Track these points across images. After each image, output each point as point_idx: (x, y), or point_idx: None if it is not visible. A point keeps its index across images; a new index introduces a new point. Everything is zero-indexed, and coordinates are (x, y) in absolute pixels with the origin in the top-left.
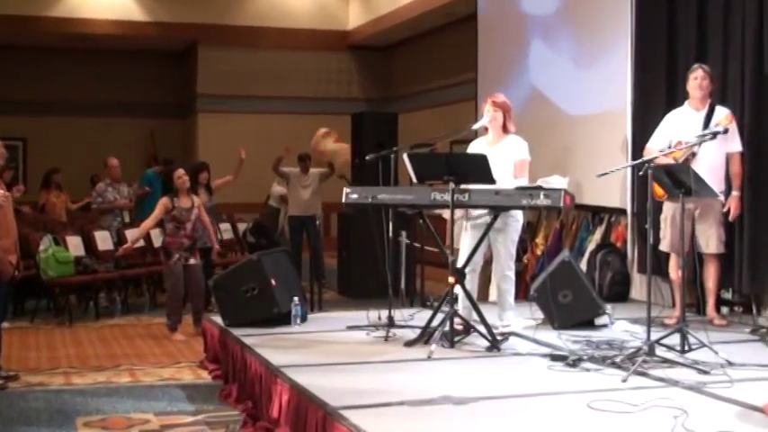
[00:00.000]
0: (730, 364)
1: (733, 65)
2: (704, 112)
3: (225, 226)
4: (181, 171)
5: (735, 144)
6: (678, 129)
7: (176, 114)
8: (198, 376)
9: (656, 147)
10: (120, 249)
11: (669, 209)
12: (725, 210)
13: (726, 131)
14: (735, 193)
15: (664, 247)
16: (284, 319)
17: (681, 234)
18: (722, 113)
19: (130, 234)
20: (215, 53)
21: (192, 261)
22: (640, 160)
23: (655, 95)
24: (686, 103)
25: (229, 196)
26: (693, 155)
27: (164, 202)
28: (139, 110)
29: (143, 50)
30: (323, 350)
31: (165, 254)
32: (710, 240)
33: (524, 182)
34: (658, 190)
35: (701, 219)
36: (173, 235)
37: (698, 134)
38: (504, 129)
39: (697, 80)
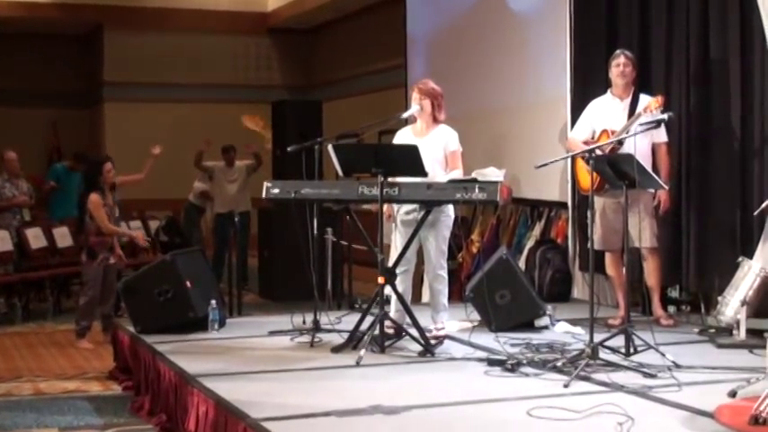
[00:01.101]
0: (678, 366)
1: (677, 51)
2: (628, 100)
3: (135, 224)
4: (109, 165)
5: (661, 134)
6: (601, 118)
7: (81, 104)
8: (107, 388)
9: (579, 136)
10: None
11: (599, 203)
12: (655, 203)
13: (670, 118)
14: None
15: (595, 244)
16: (201, 325)
17: (624, 228)
18: (647, 100)
19: (33, 233)
20: (122, 37)
21: (111, 260)
22: (580, 151)
23: (595, 81)
24: (609, 91)
25: (140, 192)
26: (620, 143)
27: (96, 200)
28: (40, 99)
29: (43, 34)
30: (243, 357)
31: (88, 254)
32: (643, 234)
33: (458, 174)
34: (584, 182)
35: (631, 212)
36: (99, 234)
37: (640, 122)
38: (434, 118)
39: (619, 67)
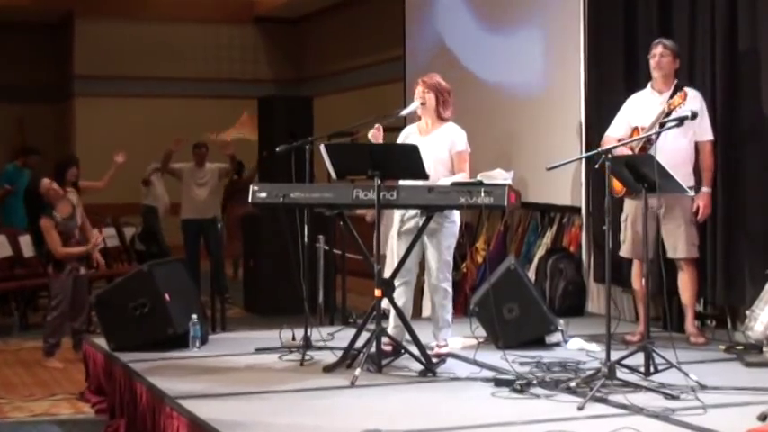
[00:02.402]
0: (702, 387)
1: (701, 40)
2: (667, 94)
3: (109, 231)
4: (46, 182)
5: (705, 131)
6: (639, 114)
7: (49, 99)
8: (78, 410)
9: (614, 134)
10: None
11: (630, 207)
12: (693, 209)
13: (694, 116)
14: (704, 189)
15: (624, 252)
16: (181, 341)
17: (644, 237)
18: (691, 95)
19: None
20: (95, 26)
21: (82, 271)
22: (595, 151)
23: (612, 74)
24: (649, 84)
25: (113, 196)
26: (649, 141)
27: (46, 226)
28: (4, 94)
29: (7, 23)
30: (227, 377)
31: (55, 266)
32: (679, 243)
33: (463, 178)
34: (617, 185)
35: (667, 218)
36: (64, 244)
37: (660, 120)
38: (439, 115)
39: (655, 58)
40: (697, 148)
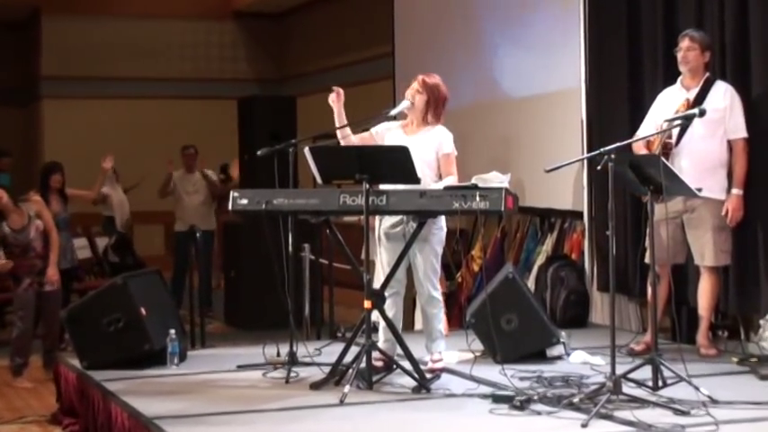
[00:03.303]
0: (714, 401)
1: (707, 28)
2: (695, 90)
3: (81, 242)
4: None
5: (737, 128)
6: (664, 112)
7: (15, 101)
8: None
9: (642, 134)
10: None
11: (658, 211)
12: (723, 212)
13: (702, 114)
14: (735, 191)
15: (647, 259)
16: (158, 359)
17: (667, 243)
18: (722, 89)
19: None
20: (63, 24)
21: (47, 287)
22: (598, 151)
23: (614, 68)
24: (678, 80)
25: (85, 204)
26: (669, 141)
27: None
28: None
29: None
30: (208, 396)
31: (13, 279)
32: (706, 250)
33: (453, 181)
34: None
35: (693, 223)
36: (20, 256)
37: (667, 118)
38: (424, 119)
39: (680, 52)
40: (730, 146)
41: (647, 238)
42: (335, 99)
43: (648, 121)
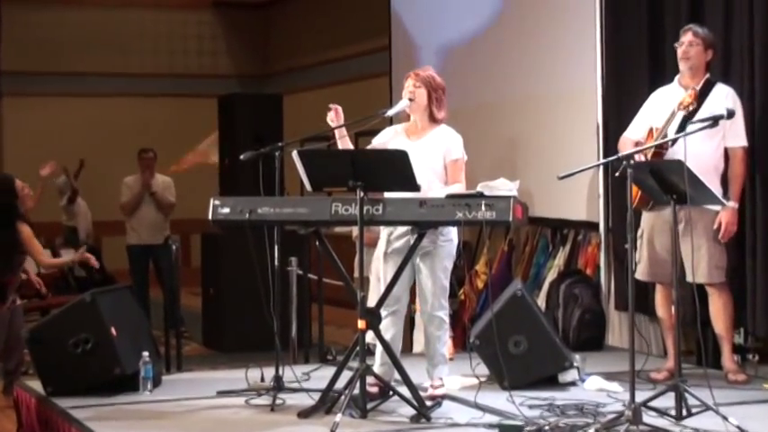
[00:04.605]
0: None
1: (738, 29)
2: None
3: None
4: (20, 183)
5: (737, 135)
6: (658, 113)
7: None
8: None
9: (632, 136)
10: None
11: (646, 222)
12: (715, 226)
13: (731, 115)
14: (730, 202)
15: (640, 274)
16: (130, 383)
17: (673, 256)
18: (724, 92)
19: None
20: (25, 14)
21: (18, 301)
22: (615, 157)
23: (634, 68)
24: (675, 78)
25: (46, 213)
26: (663, 147)
27: (29, 231)
28: None
29: None
30: (185, 424)
31: None
32: (699, 265)
33: (459, 189)
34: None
35: (687, 235)
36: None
37: (670, 123)
38: (431, 115)
39: (682, 46)
40: (727, 154)
41: (638, 251)
42: (334, 118)
43: (640, 121)
